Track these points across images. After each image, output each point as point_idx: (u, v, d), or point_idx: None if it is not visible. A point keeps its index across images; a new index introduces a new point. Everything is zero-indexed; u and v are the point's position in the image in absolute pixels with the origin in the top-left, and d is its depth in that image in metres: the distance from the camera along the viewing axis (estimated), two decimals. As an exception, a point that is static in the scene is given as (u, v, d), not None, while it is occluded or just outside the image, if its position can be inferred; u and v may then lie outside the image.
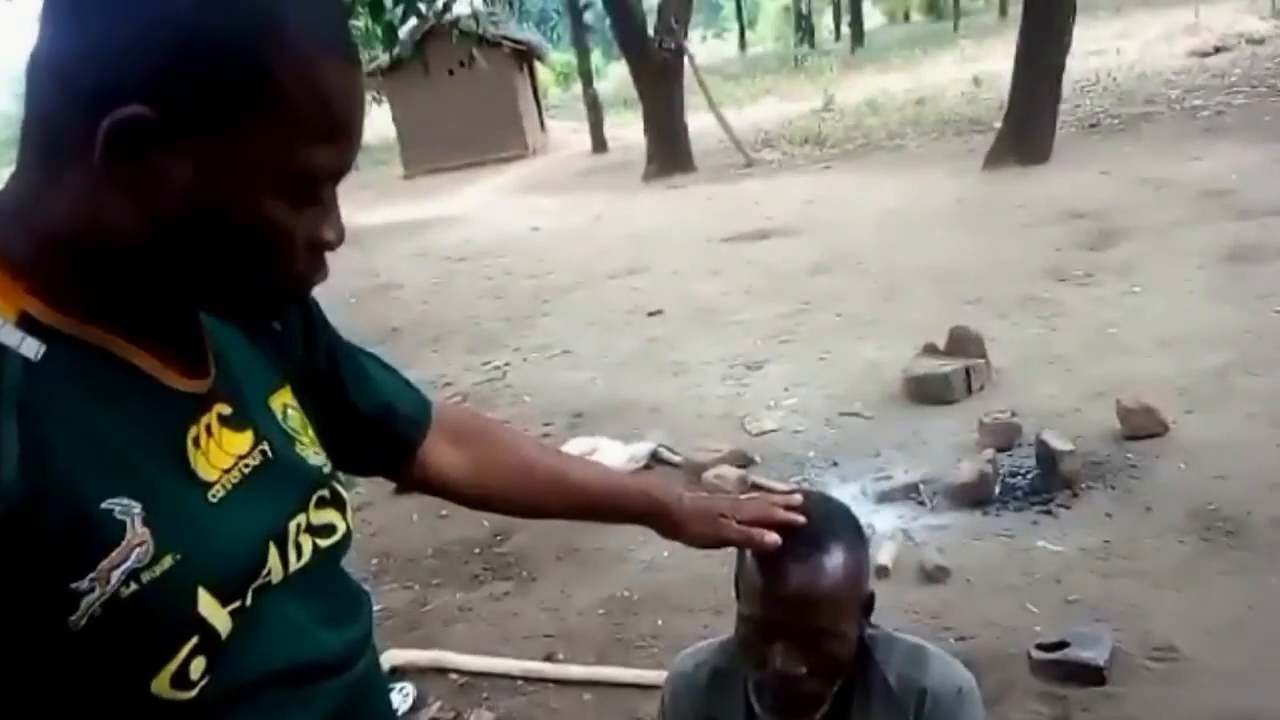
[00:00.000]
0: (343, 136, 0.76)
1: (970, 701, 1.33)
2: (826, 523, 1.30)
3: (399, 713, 2.79)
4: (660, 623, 3.13)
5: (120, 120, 0.68)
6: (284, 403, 0.93)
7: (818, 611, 1.25)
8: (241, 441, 0.84)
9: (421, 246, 10.52)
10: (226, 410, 0.84)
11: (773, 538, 1.23)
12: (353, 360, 1.09)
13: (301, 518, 0.87)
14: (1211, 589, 2.89)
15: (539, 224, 10.74)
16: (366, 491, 4.44)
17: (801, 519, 1.28)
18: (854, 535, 1.32)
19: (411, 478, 1.17)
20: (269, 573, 0.82)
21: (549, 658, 3.05)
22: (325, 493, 0.91)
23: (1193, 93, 11.75)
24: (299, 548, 0.86)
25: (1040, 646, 2.68)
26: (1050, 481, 3.59)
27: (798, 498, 1.32)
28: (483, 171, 16.44)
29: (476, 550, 3.79)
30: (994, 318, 5.38)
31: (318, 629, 0.86)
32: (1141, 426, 3.81)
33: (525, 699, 2.86)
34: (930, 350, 4.78)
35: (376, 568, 3.75)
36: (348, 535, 0.94)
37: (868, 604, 1.35)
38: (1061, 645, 2.66)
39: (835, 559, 1.26)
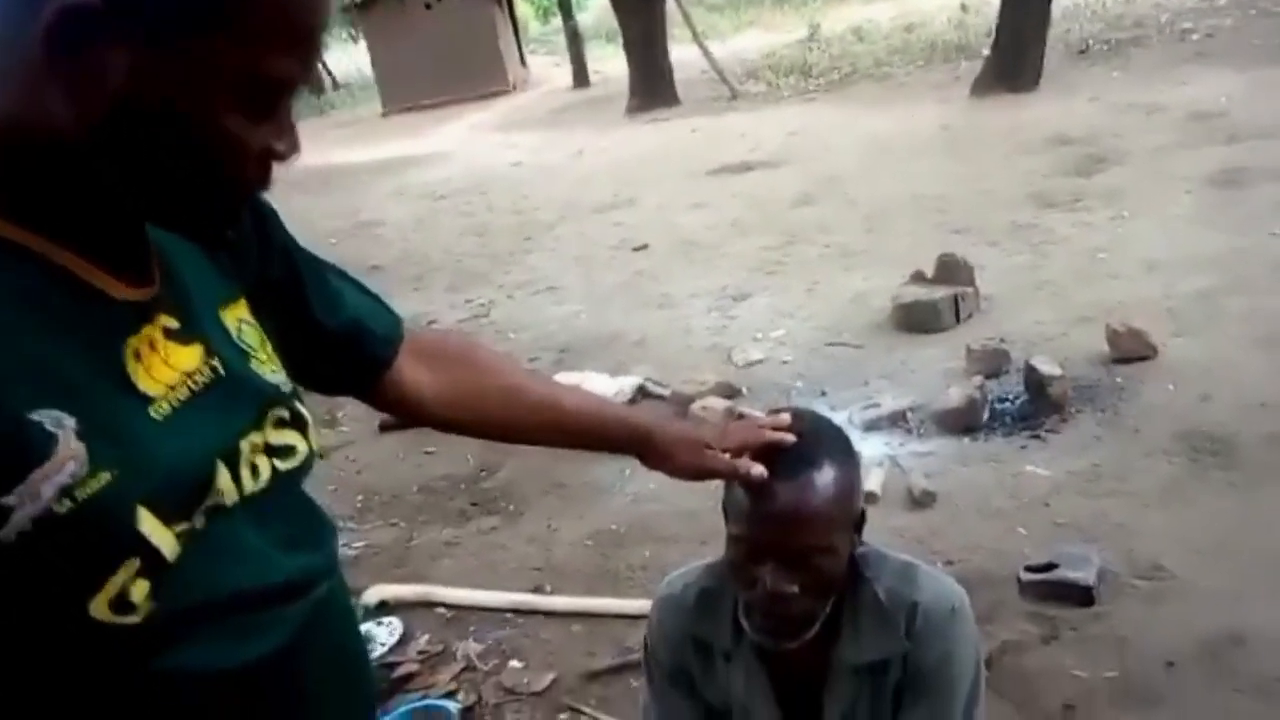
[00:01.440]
0: (305, 45, 0.71)
1: (962, 618, 1.31)
2: (816, 440, 1.26)
3: (385, 647, 2.78)
4: (648, 554, 3.11)
5: (64, 8, 0.63)
6: (239, 317, 0.88)
7: (808, 530, 1.21)
8: (189, 356, 0.79)
9: (401, 184, 10.34)
10: (173, 323, 0.79)
11: (758, 470, 1.19)
12: (316, 274, 1.03)
13: (256, 437, 0.82)
14: (1199, 509, 2.89)
15: (521, 160, 10.55)
16: (351, 430, 4.41)
17: (790, 438, 1.24)
18: (844, 452, 1.28)
19: (384, 398, 1.11)
20: (219, 494, 0.77)
21: (537, 590, 3.04)
22: (284, 412, 0.86)
23: (1182, 16, 11.55)
24: (255, 469, 0.81)
25: (1029, 568, 2.68)
26: (1038, 406, 3.57)
27: (786, 417, 1.27)
28: (462, 108, 16.11)
29: (462, 486, 3.76)
30: (982, 246, 5.32)
31: (276, 554, 0.82)
32: (1130, 350, 3.78)
33: (514, 631, 2.85)
34: (918, 278, 4.72)
35: (361, 505, 3.72)
36: (310, 458, 0.89)
37: (859, 522, 1.31)
38: (1050, 566, 2.66)
39: (826, 477, 1.22)
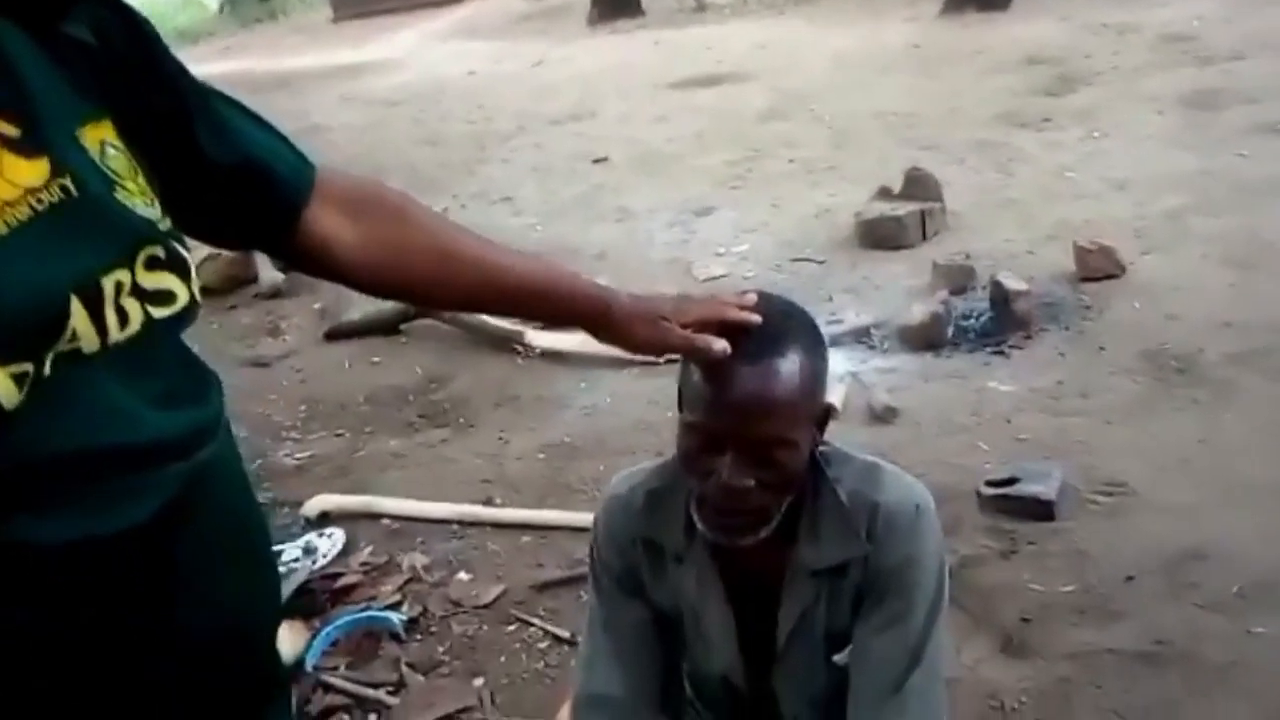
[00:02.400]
0: None
1: (926, 520, 1.21)
2: (783, 324, 1.14)
3: (327, 558, 2.67)
4: (602, 468, 3.01)
5: None
6: (102, 138, 0.75)
7: (770, 420, 1.10)
8: (32, 171, 0.68)
9: (352, 90, 9.91)
10: (12, 131, 0.68)
11: (720, 345, 1.07)
12: (207, 106, 0.88)
13: (123, 276, 0.71)
14: (1162, 425, 2.85)
15: (476, 69, 10.14)
16: (294, 338, 4.24)
17: (756, 318, 1.11)
18: (813, 340, 1.16)
19: (296, 251, 0.97)
20: (77, 338, 0.67)
21: (487, 503, 2.94)
22: (159, 251, 0.74)
23: (1157, -62, 11.32)
24: (123, 313, 0.70)
25: (989, 482, 2.63)
26: (1003, 323, 3.50)
27: (752, 297, 1.15)
28: (415, 16, 15.44)
29: (410, 397, 3.62)
30: (950, 164, 5.19)
31: (147, 410, 0.71)
32: (1097, 268, 3.71)
33: (461, 543, 2.76)
34: (884, 194, 4.60)
35: (305, 414, 3.57)
36: (192, 306, 0.77)
37: (823, 417, 1.20)
38: (1010, 481, 2.61)
39: (792, 364, 1.11)
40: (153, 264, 0.73)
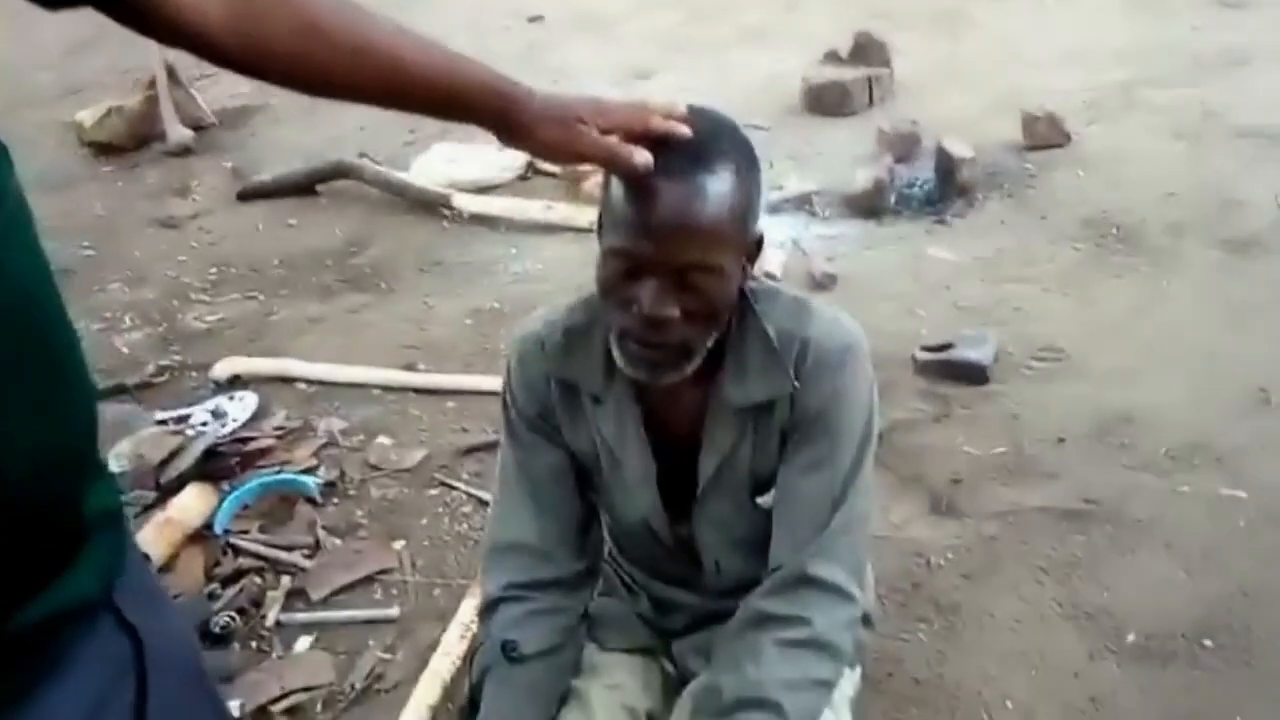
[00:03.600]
0: None
1: (856, 356, 1.12)
2: (714, 140, 1.02)
3: (237, 422, 2.53)
4: (531, 332, 2.89)
5: None
6: None
7: (696, 244, 0.99)
8: None
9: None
10: None
11: (643, 156, 0.95)
12: None
13: None
14: (1100, 293, 2.81)
15: (408, -75, 9.49)
16: (204, 199, 3.98)
17: (685, 130, 0.98)
18: (747, 162, 1.05)
19: (155, 21, 0.79)
20: None
21: (409, 368, 2.81)
22: None
23: None
24: None
25: (925, 348, 2.58)
26: (947, 191, 3.41)
27: (682, 108, 1.01)
28: None
29: (329, 261, 3.43)
30: (900, 31, 4.98)
31: None
32: (1044, 136, 3.62)
33: (382, 408, 2.63)
34: (832, 58, 4.41)
35: (215, 277, 3.36)
36: None
37: (754, 248, 1.09)
38: (946, 347, 2.56)
39: (722, 184, 0.99)
40: None
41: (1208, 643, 1.74)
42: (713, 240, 0.99)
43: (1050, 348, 2.59)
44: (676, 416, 1.17)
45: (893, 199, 3.43)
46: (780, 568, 1.12)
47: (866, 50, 4.36)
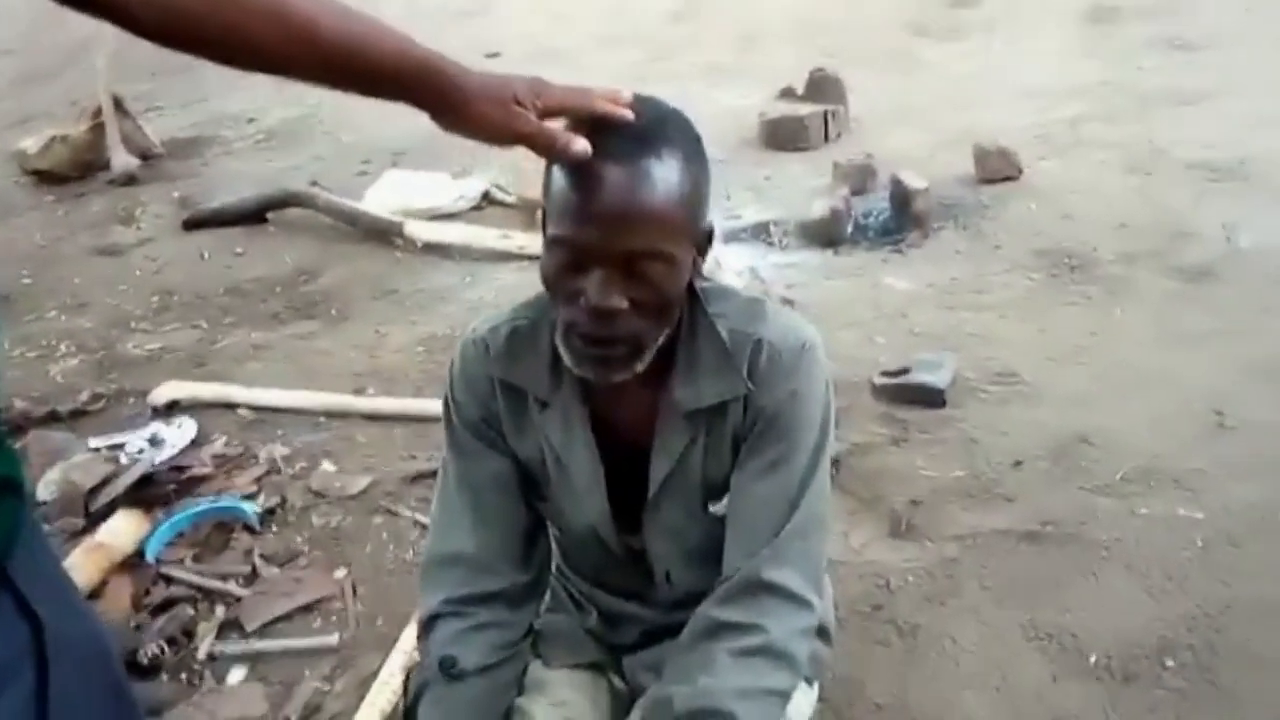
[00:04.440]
0: None
1: (812, 356, 1.08)
2: (660, 126, 0.98)
3: (175, 448, 2.43)
4: (485, 359, 2.83)
5: None
6: None
7: (642, 229, 0.95)
8: None
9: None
10: None
11: (581, 144, 0.91)
12: None
13: None
14: (1055, 320, 2.82)
15: (368, -34, 9.52)
16: (150, 227, 3.89)
17: (627, 114, 0.95)
18: (694, 147, 1.01)
19: None
20: None
21: (357, 394, 2.73)
22: None
23: None
24: None
25: (884, 373, 2.56)
26: (902, 221, 3.43)
27: (627, 94, 0.98)
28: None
29: (277, 289, 3.35)
30: (856, 70, 5.06)
31: None
32: (996, 170, 3.67)
33: (327, 435, 2.55)
34: (788, 95, 4.47)
35: (158, 305, 3.27)
36: None
37: (705, 240, 1.05)
38: (904, 371, 2.55)
39: (668, 168, 0.95)
40: None
41: (1170, 662, 1.70)
42: (660, 226, 0.95)
43: (1006, 373, 2.58)
44: (626, 421, 1.12)
45: (849, 229, 3.44)
46: (733, 574, 1.07)
47: (822, 87, 4.41)
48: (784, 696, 1.04)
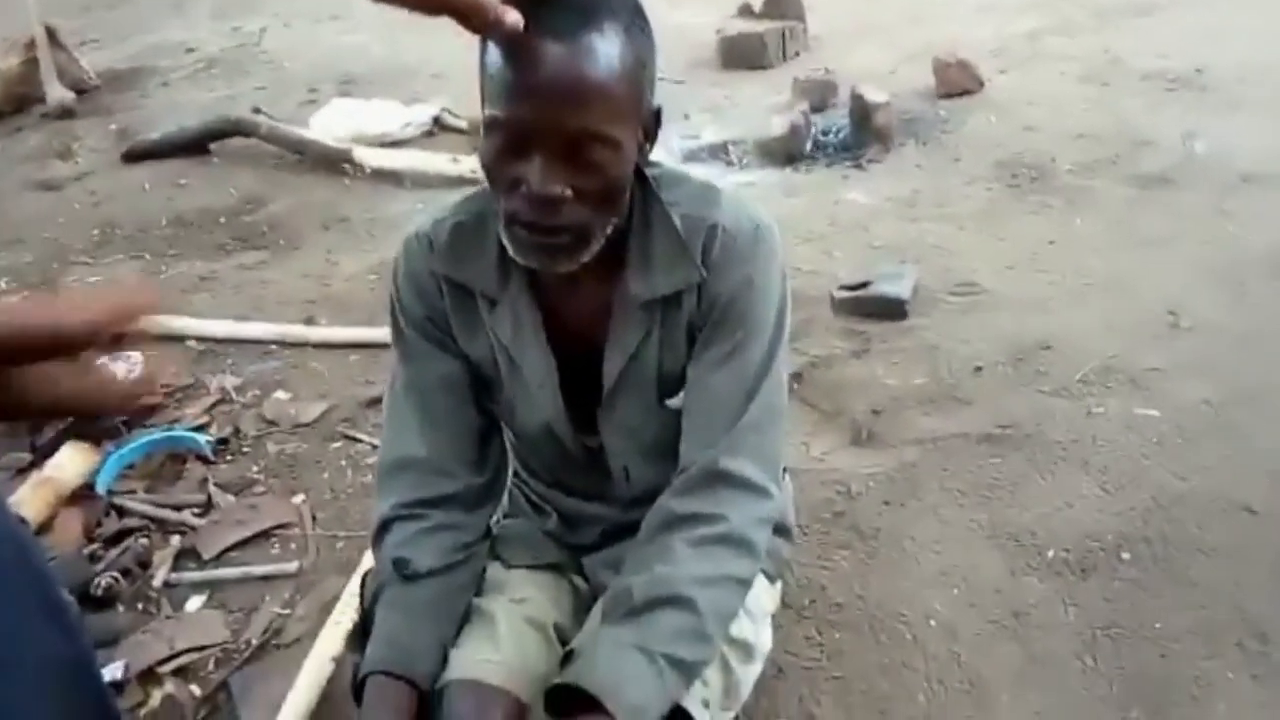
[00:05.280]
0: None
1: (767, 241, 1.05)
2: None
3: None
4: (440, 284, 2.77)
5: None
6: None
7: (584, 108, 0.90)
8: None
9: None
10: None
11: (513, 17, 0.85)
12: None
13: None
14: (1014, 228, 2.81)
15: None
16: (88, 160, 3.75)
17: (563, -15, 0.89)
18: (636, 19, 0.96)
19: None
20: None
21: (308, 323, 2.66)
22: None
23: None
24: None
25: (843, 286, 2.54)
26: (862, 137, 3.39)
27: (557, -36, 0.92)
28: None
29: (222, 220, 3.25)
30: (813, -12, 4.98)
31: None
32: (956, 83, 3.63)
33: (279, 364, 2.49)
34: (745, 12, 4.37)
35: (99, 238, 3.16)
36: None
37: (651, 122, 1.00)
38: (864, 284, 2.53)
39: (609, 43, 0.90)
40: None
41: (1126, 555, 1.72)
42: (603, 105, 0.91)
43: (966, 282, 2.57)
44: (578, 316, 1.09)
45: (809, 146, 3.40)
46: (690, 466, 1.05)
47: (780, 3, 4.32)
48: (744, 584, 1.03)
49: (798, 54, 4.24)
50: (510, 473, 1.26)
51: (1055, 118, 3.39)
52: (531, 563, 1.19)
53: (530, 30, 0.87)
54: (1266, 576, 1.65)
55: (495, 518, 1.22)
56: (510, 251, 0.99)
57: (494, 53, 0.92)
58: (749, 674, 1.16)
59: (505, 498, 1.28)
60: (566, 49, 0.89)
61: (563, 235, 0.95)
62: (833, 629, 1.62)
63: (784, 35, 4.20)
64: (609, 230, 0.99)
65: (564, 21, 0.89)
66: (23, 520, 0.88)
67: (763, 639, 1.20)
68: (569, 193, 0.92)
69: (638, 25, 0.95)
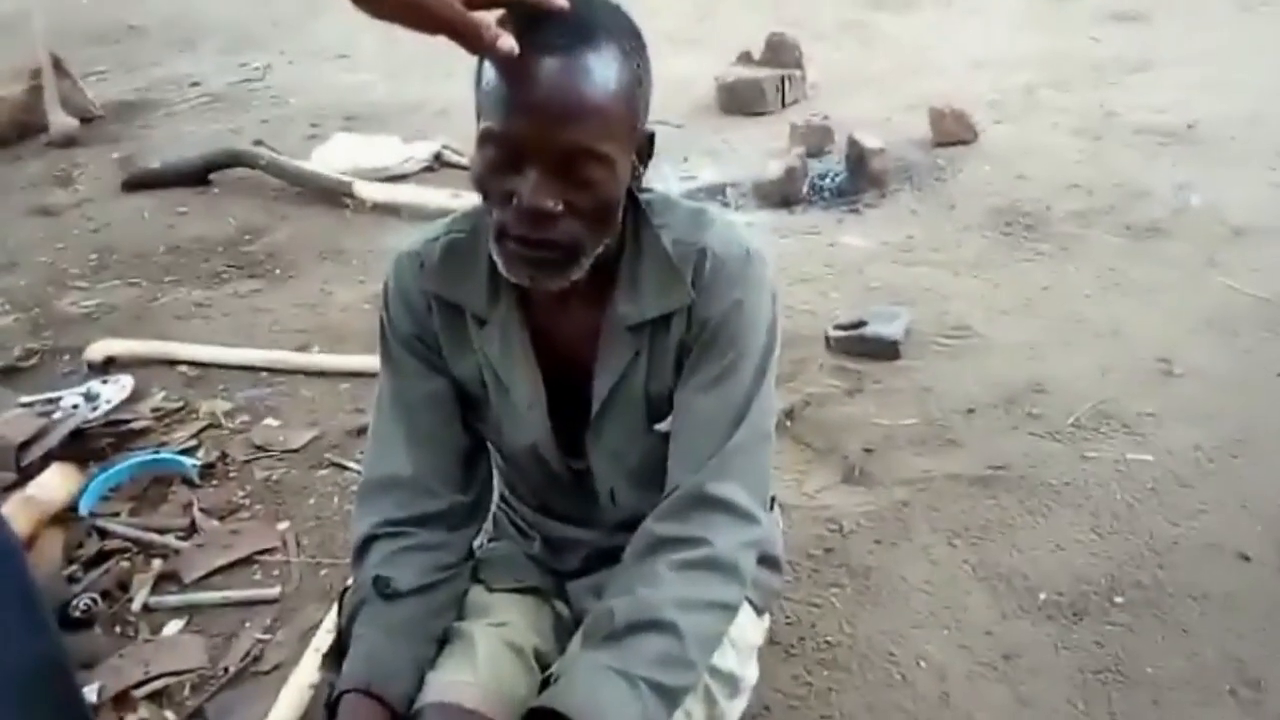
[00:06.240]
0: None
1: (757, 264, 1.05)
2: (596, 15, 0.94)
3: (111, 403, 2.35)
4: (435, 315, 2.77)
5: None
6: None
7: (578, 124, 0.91)
8: None
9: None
10: None
11: (508, 42, 0.86)
12: None
13: None
14: (1008, 275, 2.83)
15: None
16: (88, 188, 3.77)
17: (562, 2, 0.91)
18: (633, 42, 0.97)
19: None
20: None
21: (302, 350, 2.66)
22: None
23: None
24: None
25: (838, 326, 2.55)
26: (858, 182, 3.42)
27: (560, -13, 0.93)
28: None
29: (220, 248, 3.25)
30: (812, 40, 5.04)
31: None
32: (951, 133, 3.67)
33: (270, 390, 2.48)
34: (745, 59, 4.43)
35: (96, 263, 3.16)
36: None
37: (645, 145, 1.01)
38: (859, 324, 2.53)
39: (605, 62, 0.91)
40: None
41: (1119, 599, 1.71)
42: (597, 122, 0.91)
43: (960, 325, 2.58)
44: (567, 338, 1.09)
45: (805, 189, 3.43)
46: (676, 489, 1.03)
47: (779, 51, 4.38)
48: (728, 609, 1.01)
49: (796, 101, 4.29)
50: (496, 495, 1.25)
51: (1049, 168, 3.43)
52: (514, 586, 1.17)
53: (527, 46, 0.88)
54: (1260, 623, 1.64)
55: (479, 541, 1.21)
56: (500, 267, 0.99)
57: (489, 67, 0.93)
58: (734, 709, 1.14)
59: (490, 521, 1.27)
60: (563, 65, 0.90)
61: (553, 250, 0.95)
62: (821, 667, 1.60)
63: (783, 82, 4.25)
64: (599, 249, 0.99)
65: (561, 38, 0.90)
66: (4, 524, 0.86)
67: (749, 673, 1.18)
68: (561, 207, 0.93)
69: (634, 47, 0.97)
